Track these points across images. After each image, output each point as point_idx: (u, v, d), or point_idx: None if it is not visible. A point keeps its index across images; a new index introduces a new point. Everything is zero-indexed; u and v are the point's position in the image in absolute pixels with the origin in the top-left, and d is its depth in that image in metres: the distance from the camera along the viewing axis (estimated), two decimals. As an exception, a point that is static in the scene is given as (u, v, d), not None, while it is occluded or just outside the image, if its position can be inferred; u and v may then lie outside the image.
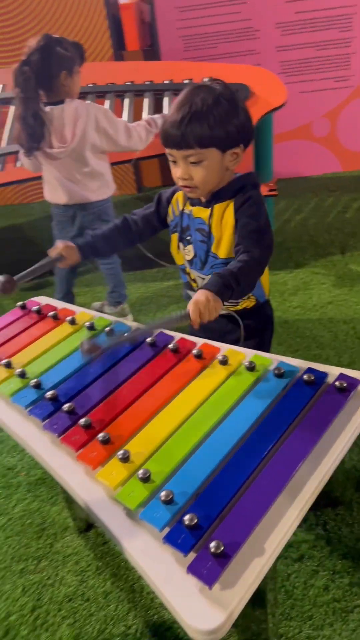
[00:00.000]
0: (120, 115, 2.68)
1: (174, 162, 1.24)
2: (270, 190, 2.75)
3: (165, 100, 2.59)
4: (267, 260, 1.24)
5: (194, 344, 1.14)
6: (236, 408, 0.96)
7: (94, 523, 1.63)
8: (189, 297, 1.48)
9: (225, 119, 1.17)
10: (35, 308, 1.33)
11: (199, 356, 1.09)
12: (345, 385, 0.96)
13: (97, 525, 1.15)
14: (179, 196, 1.39)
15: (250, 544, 0.75)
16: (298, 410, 0.93)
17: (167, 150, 1.23)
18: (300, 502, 0.80)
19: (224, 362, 1.06)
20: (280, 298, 2.58)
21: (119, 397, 1.02)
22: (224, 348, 1.11)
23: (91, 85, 2.70)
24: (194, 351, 1.10)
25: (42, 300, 1.41)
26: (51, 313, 1.30)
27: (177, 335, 1.18)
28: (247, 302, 1.42)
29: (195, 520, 0.76)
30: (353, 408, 0.94)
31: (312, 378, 0.99)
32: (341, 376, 0.99)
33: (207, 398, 0.99)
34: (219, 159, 1.22)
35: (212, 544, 0.73)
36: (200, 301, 1.05)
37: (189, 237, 1.37)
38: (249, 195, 1.25)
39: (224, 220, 1.29)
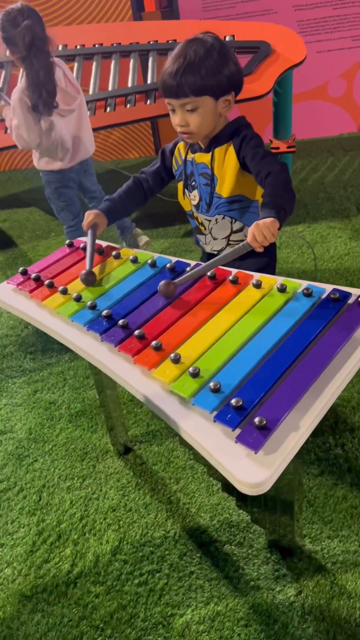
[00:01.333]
0: (143, 74, 2.77)
1: (173, 110, 1.36)
2: (289, 147, 2.84)
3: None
4: (288, 170, 1.33)
5: (229, 272, 1.27)
6: (271, 320, 1.10)
7: (132, 447, 1.80)
8: (199, 242, 1.66)
9: (217, 68, 1.28)
10: (82, 246, 1.47)
11: (234, 282, 1.22)
12: (366, 301, 1.09)
13: (155, 414, 1.28)
14: (180, 147, 1.52)
15: (287, 422, 0.89)
16: (326, 320, 1.07)
17: (165, 100, 1.35)
18: (329, 392, 0.94)
19: (258, 285, 1.19)
20: (298, 251, 2.70)
21: (166, 315, 1.16)
22: (257, 275, 1.24)
23: (115, 44, 2.77)
24: (230, 277, 1.23)
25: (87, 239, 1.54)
26: (97, 249, 1.43)
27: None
28: None
29: (241, 403, 0.91)
30: (374, 320, 1.08)
31: (337, 296, 1.12)
32: (363, 294, 1.12)
33: (245, 314, 1.13)
34: (213, 105, 1.34)
35: (257, 419, 0.87)
36: (258, 227, 1.13)
37: (193, 183, 1.51)
38: (244, 134, 1.39)
39: (225, 162, 1.42)
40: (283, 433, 0.88)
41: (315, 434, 1.72)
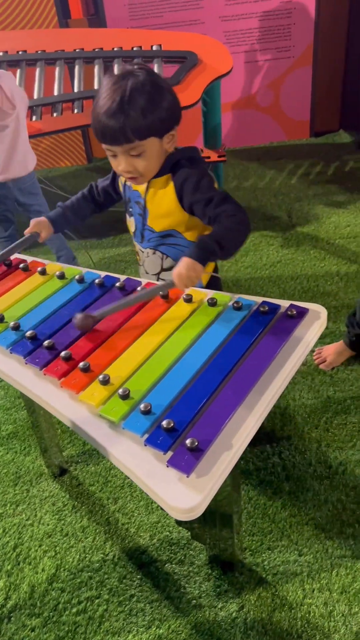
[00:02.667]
0: (71, 83, 2.71)
1: (114, 155, 1.23)
2: (220, 156, 2.86)
3: (115, 68, 2.64)
4: (243, 211, 1.22)
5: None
6: (202, 336, 1.08)
7: (67, 468, 1.73)
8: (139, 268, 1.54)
9: (156, 104, 1.16)
10: (22, 266, 1.38)
11: (165, 297, 1.20)
12: (295, 313, 1.10)
13: (82, 439, 1.23)
14: None
15: (220, 441, 0.87)
16: (256, 334, 1.06)
17: (104, 146, 1.21)
18: (261, 407, 0.93)
19: (189, 300, 1.17)
20: (232, 259, 2.71)
21: (94, 334, 1.12)
22: (188, 289, 1.22)
23: (40, 52, 2.70)
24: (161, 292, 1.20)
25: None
26: (21, 265, 1.37)
27: (144, 280, 1.28)
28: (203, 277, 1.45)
29: (172, 424, 0.88)
30: (303, 331, 1.08)
31: (267, 308, 1.11)
32: (292, 306, 1.12)
33: (176, 330, 1.10)
34: (159, 145, 1.23)
35: (188, 441, 0.85)
36: (180, 273, 1.10)
37: (130, 209, 1.41)
38: (188, 173, 1.26)
39: (160, 194, 1.31)
40: (215, 453, 0.86)
41: (253, 443, 1.71)
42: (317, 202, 3.17)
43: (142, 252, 1.45)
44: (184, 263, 1.12)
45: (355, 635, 1.25)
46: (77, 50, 2.69)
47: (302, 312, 1.11)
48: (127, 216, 1.46)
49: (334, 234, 2.83)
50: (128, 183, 1.39)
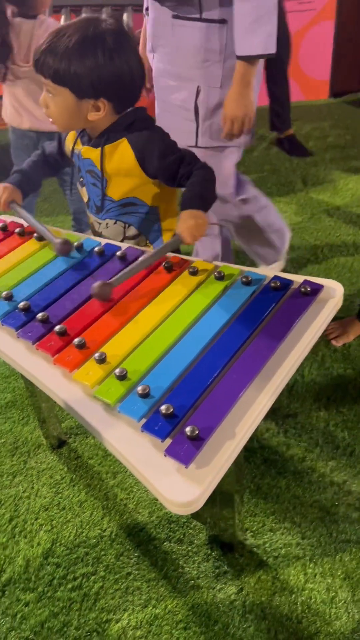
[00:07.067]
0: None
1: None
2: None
3: (125, 16, 2.47)
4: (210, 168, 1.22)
5: (164, 257, 1.15)
6: (207, 313, 1.00)
7: (66, 440, 1.69)
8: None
9: (91, 61, 1.09)
10: (18, 230, 1.30)
11: (169, 268, 1.11)
12: (309, 289, 1.01)
13: (77, 422, 1.16)
14: (72, 133, 1.33)
15: (222, 429, 0.81)
16: (266, 311, 0.98)
17: None
18: (268, 393, 0.86)
19: (194, 272, 1.09)
20: (243, 226, 2.60)
21: (91, 307, 1.04)
22: (193, 260, 1.14)
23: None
24: (164, 263, 1.12)
25: (7, 218, 1.38)
26: (17, 230, 1.28)
27: (147, 250, 1.20)
28: None
29: (171, 410, 0.81)
30: (316, 310, 1.00)
31: (278, 284, 1.03)
32: (305, 282, 1.04)
33: (179, 305, 1.03)
34: (73, 103, 1.15)
35: (188, 429, 0.78)
36: (188, 225, 1.08)
37: (81, 179, 1.33)
38: (148, 137, 1.21)
39: (117, 160, 1.23)
40: (217, 443, 0.79)
41: (258, 420, 1.66)
42: (333, 167, 3.03)
43: (99, 223, 1.36)
44: (188, 214, 1.10)
45: (358, 623, 1.22)
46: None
47: (317, 289, 1.03)
48: (79, 185, 1.38)
49: (350, 201, 2.71)
50: (77, 150, 1.29)
